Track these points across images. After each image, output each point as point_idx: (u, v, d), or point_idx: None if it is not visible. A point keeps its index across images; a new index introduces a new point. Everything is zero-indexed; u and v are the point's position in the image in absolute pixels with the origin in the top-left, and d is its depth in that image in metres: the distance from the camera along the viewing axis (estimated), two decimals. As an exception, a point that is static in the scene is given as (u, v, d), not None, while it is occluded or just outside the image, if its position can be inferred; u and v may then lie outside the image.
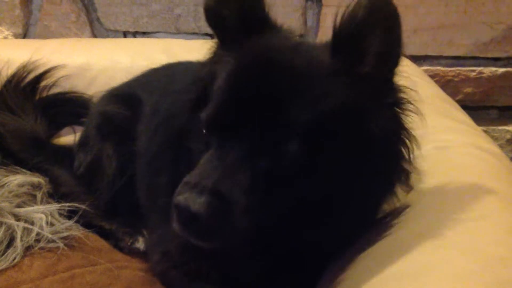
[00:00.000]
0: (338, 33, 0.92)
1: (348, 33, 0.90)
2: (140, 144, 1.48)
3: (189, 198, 0.84)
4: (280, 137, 0.88)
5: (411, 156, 1.00)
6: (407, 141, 0.99)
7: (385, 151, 0.95)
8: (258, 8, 1.02)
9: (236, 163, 0.88)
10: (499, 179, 1.12)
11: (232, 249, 1.00)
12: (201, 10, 2.31)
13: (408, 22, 2.25)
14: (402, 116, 0.97)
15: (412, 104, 0.97)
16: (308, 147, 0.88)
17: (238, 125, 0.90)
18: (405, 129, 0.98)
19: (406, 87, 0.97)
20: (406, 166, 1.01)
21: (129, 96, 1.62)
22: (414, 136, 1.00)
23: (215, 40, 1.08)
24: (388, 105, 0.95)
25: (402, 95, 0.96)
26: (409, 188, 1.06)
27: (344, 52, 0.91)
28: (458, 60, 2.35)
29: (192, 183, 0.87)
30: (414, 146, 1.01)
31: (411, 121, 0.98)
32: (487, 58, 2.34)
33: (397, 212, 1.06)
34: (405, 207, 1.06)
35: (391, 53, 0.92)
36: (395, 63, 0.93)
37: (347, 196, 0.95)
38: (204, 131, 0.97)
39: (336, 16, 0.91)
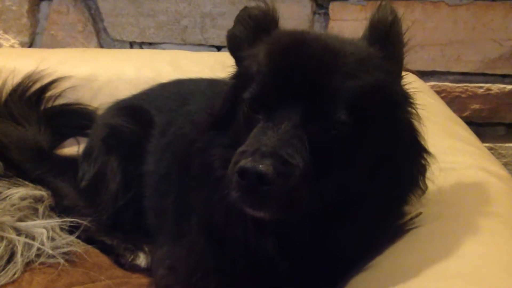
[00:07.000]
0: (374, 27, 1.02)
1: (381, 31, 1.00)
2: (148, 164, 1.47)
3: (253, 161, 0.84)
4: (329, 105, 0.91)
5: (427, 154, 1.06)
6: (422, 140, 1.05)
7: (408, 144, 1.02)
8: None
9: (291, 131, 0.89)
10: (504, 203, 1.11)
11: (285, 225, 0.99)
12: (207, 21, 2.36)
13: (416, 37, 2.22)
14: (414, 120, 1.04)
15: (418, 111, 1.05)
16: (354, 118, 0.91)
17: (287, 98, 0.92)
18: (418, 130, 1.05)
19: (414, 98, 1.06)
20: (424, 162, 1.06)
21: (138, 110, 1.60)
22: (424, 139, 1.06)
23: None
24: (408, 104, 1.03)
25: (413, 101, 1.04)
26: (424, 187, 1.08)
27: (379, 44, 1.00)
28: (465, 76, 2.34)
29: (251, 151, 0.87)
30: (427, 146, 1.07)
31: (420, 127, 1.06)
32: (495, 75, 2.33)
33: (401, 236, 1.04)
34: (409, 230, 1.05)
35: (401, 60, 1.04)
36: (401, 71, 1.05)
37: (379, 186, 0.98)
38: (246, 111, 0.98)
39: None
